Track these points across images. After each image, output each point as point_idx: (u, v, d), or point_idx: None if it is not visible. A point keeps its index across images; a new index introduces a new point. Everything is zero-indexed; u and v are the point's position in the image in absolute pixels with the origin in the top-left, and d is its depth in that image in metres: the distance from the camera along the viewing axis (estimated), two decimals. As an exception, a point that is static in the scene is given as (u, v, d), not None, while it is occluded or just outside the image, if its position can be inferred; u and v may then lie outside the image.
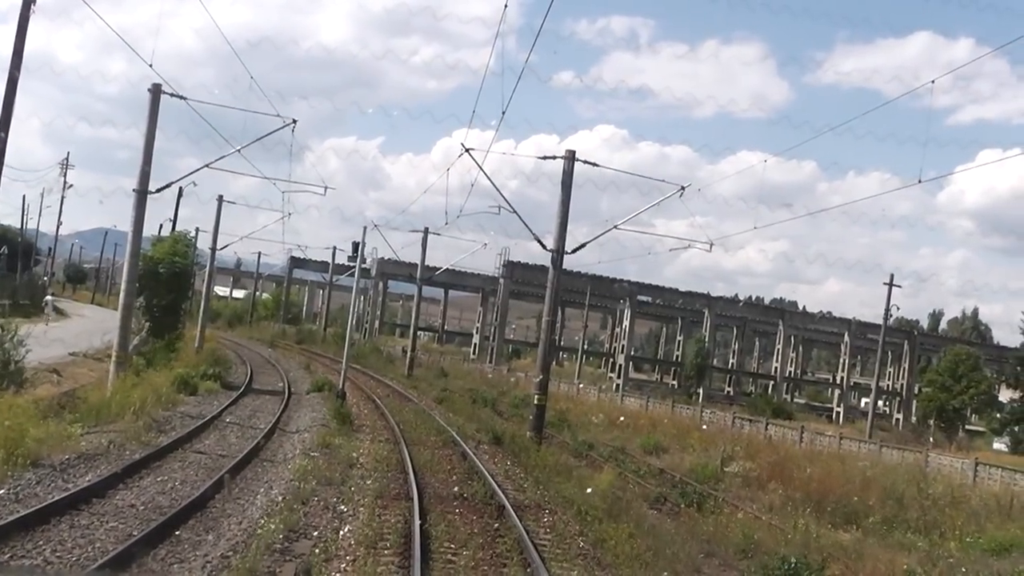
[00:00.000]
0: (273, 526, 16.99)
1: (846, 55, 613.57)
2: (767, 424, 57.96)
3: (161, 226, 70.81)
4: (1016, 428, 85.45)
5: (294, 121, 38.58)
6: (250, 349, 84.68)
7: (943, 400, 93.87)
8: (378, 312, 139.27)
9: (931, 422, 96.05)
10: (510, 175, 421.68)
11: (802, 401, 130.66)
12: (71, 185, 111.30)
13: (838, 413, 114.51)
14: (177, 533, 16.49)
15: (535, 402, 40.38)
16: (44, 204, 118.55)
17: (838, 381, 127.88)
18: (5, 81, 25.09)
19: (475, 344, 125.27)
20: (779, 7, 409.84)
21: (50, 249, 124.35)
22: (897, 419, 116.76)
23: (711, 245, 45.25)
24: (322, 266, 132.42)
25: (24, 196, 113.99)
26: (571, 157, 40.04)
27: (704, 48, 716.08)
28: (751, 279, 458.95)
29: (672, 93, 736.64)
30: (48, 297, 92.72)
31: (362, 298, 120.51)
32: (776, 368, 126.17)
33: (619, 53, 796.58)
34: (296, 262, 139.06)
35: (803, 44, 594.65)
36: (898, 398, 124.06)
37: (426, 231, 77.37)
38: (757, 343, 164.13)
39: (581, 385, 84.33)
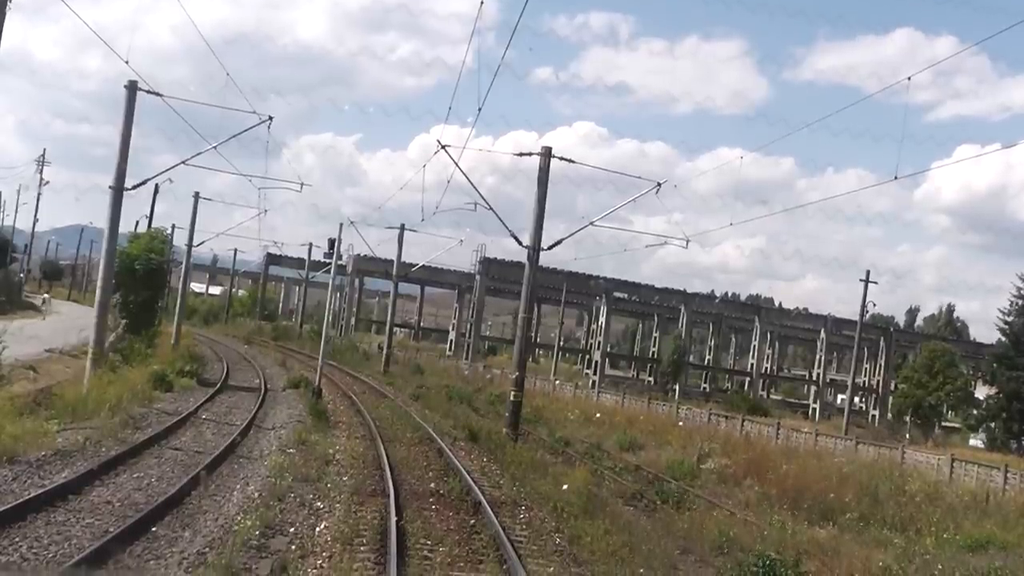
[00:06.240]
0: (249, 523, 16.96)
1: (826, 52, 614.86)
2: (743, 421, 58.00)
3: (137, 223, 70.62)
4: (992, 424, 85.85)
5: (270, 118, 38.54)
6: (226, 346, 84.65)
7: (919, 396, 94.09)
8: (354, 309, 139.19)
9: (907, 418, 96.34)
10: (487, 172, 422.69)
11: (778, 397, 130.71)
12: (47, 182, 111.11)
13: (814, 409, 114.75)
14: (153, 529, 16.47)
15: (511, 398, 40.47)
16: (20, 201, 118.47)
17: (814, 377, 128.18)
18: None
19: (451, 341, 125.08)
20: (759, 4, 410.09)
21: (26, 246, 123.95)
22: (873, 415, 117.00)
23: (688, 242, 45.66)
24: (298, 263, 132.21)
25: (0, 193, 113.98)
26: (547, 154, 40.20)
27: (683, 45, 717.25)
28: (728, 276, 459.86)
29: (650, 90, 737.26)
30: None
31: (338, 295, 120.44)
32: (752, 365, 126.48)
33: (598, 49, 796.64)
34: (272, 259, 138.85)
35: (783, 40, 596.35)
36: (874, 394, 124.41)
37: (402, 228, 77.74)
38: (734, 339, 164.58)
39: (557, 382, 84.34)
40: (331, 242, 53.62)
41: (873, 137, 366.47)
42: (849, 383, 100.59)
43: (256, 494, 20.34)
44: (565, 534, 20.13)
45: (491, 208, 44.19)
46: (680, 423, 55.92)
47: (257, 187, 71.35)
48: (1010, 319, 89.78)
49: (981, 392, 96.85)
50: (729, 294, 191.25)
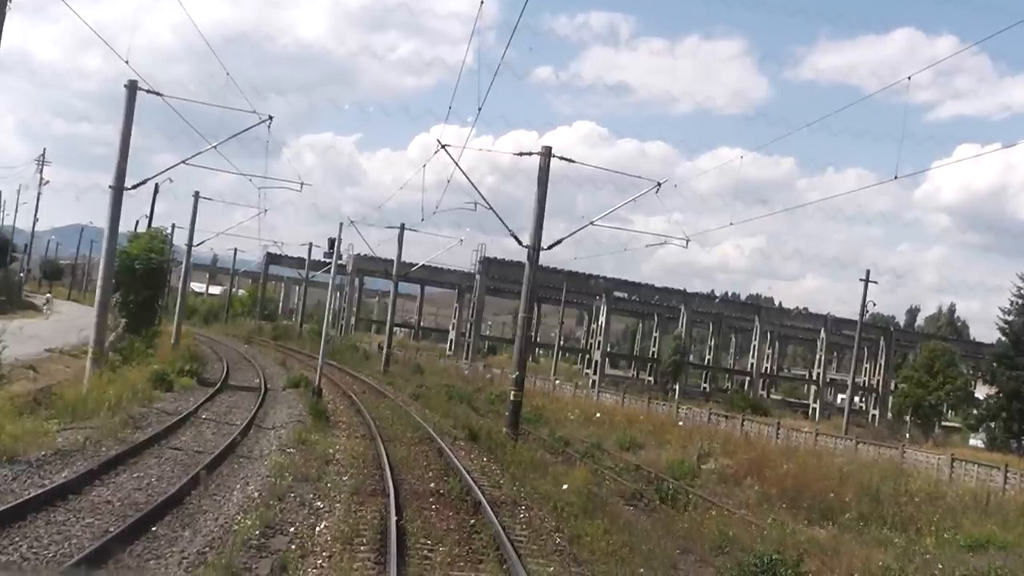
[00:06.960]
0: (249, 522, 16.97)
1: (827, 51, 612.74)
2: (743, 420, 57.94)
3: (137, 223, 70.64)
4: (992, 424, 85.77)
5: (270, 117, 38.48)
6: (226, 345, 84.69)
7: (919, 396, 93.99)
8: (354, 308, 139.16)
9: (907, 418, 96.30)
10: (487, 171, 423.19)
11: (778, 397, 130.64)
12: (47, 181, 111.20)
13: (814, 409, 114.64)
14: (154, 529, 16.47)
15: (511, 398, 40.46)
16: (20, 201, 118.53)
17: (814, 377, 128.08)
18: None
19: (451, 340, 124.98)
20: (759, 3, 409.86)
21: (26, 246, 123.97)
22: (873, 415, 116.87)
23: (688, 241, 45.65)
24: (298, 262, 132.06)
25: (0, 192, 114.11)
26: (547, 153, 40.21)
27: (684, 44, 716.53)
28: (728, 275, 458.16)
29: (650, 89, 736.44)
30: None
31: (338, 294, 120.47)
32: (752, 364, 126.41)
33: (598, 49, 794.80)
34: (272, 258, 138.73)
35: (784, 40, 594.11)
36: (874, 394, 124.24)
37: (402, 227, 77.82)
38: (734, 339, 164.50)
39: (557, 381, 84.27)
40: (331, 242, 53.74)
41: (873, 137, 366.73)
42: (849, 383, 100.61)
43: (256, 494, 20.35)
44: (565, 534, 20.13)
45: (491, 208, 44.23)
46: (680, 423, 55.85)
47: (257, 187, 71.34)
48: (1010, 319, 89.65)
49: (981, 392, 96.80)
50: (729, 294, 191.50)
